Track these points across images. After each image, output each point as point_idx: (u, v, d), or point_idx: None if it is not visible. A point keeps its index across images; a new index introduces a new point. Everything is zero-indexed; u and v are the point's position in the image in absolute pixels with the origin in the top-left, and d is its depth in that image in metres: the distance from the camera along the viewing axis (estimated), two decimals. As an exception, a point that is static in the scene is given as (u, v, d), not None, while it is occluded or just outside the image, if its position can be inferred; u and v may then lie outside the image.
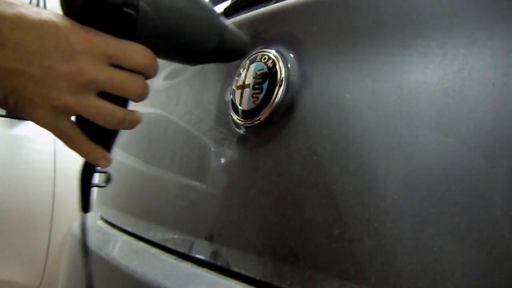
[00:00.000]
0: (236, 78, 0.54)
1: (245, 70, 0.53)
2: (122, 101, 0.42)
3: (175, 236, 0.62)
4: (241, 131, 0.53)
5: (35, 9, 0.37)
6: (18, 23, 0.36)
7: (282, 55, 0.49)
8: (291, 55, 0.49)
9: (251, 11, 0.59)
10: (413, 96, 0.38)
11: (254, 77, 0.51)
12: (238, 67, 0.54)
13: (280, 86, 0.48)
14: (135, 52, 0.40)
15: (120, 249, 0.72)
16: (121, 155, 0.84)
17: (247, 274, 0.48)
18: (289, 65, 0.48)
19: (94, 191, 0.48)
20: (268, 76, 0.49)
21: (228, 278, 0.51)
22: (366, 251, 0.38)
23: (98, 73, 0.39)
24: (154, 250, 0.65)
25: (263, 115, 0.49)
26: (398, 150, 0.38)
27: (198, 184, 0.60)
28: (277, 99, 0.48)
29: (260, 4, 0.59)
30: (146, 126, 0.74)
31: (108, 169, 0.46)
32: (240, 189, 0.52)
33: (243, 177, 0.52)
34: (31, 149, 1.85)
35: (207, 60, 0.47)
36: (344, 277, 0.39)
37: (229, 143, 0.55)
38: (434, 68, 0.37)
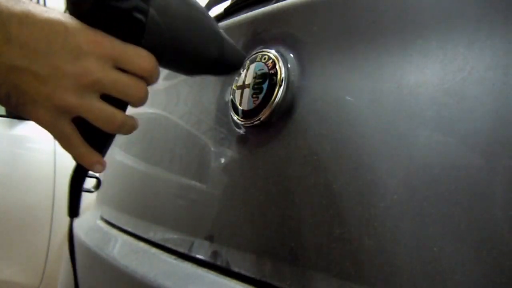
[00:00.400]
0: (236, 78, 0.54)
1: (245, 70, 0.53)
2: (122, 105, 0.42)
3: (175, 236, 0.62)
4: (241, 131, 0.53)
5: (43, 8, 0.37)
6: (26, 20, 0.36)
7: (282, 55, 0.49)
8: (291, 55, 0.49)
9: (251, 11, 0.59)
10: (413, 96, 0.38)
11: (254, 77, 0.51)
12: (238, 67, 0.54)
13: (280, 86, 0.48)
14: (140, 56, 0.40)
15: (120, 249, 0.72)
16: (121, 155, 0.84)
17: (247, 274, 0.48)
18: (289, 65, 0.48)
19: (89, 194, 0.48)
20: (268, 76, 0.49)
21: (228, 278, 0.51)
22: (366, 251, 0.38)
23: (103, 74, 0.38)
24: (154, 250, 0.65)
25: (263, 115, 0.49)
26: (398, 150, 0.38)
27: (198, 184, 0.60)
28: (277, 99, 0.48)
29: (260, 4, 0.59)
30: (146, 126, 0.74)
31: (104, 172, 0.46)
32: (240, 189, 0.52)
33: (243, 177, 0.52)
34: (31, 149, 1.85)
35: (207, 71, 0.48)
36: (344, 277, 0.39)
37: (229, 143, 0.55)
38: (434, 68, 0.37)
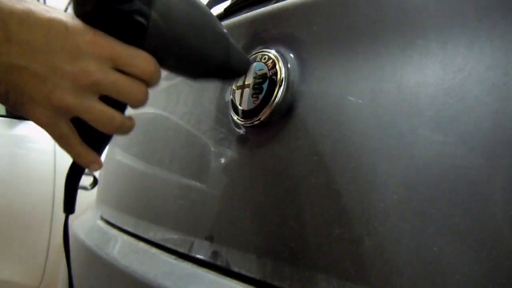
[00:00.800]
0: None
1: (245, 70, 0.53)
2: (121, 107, 0.42)
3: (175, 236, 0.62)
4: (241, 131, 0.53)
5: (45, 7, 0.37)
6: (26, 19, 0.36)
7: (282, 55, 0.49)
8: (291, 55, 0.49)
9: (251, 11, 0.59)
10: (413, 96, 0.38)
11: (254, 77, 0.51)
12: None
13: (280, 86, 0.48)
14: (140, 59, 0.40)
15: (120, 249, 0.72)
16: (121, 155, 0.84)
17: (247, 274, 0.48)
18: (289, 65, 0.48)
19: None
20: (268, 76, 0.49)
21: (228, 278, 0.51)
22: (366, 251, 0.38)
23: (102, 75, 0.38)
24: (154, 250, 0.65)
25: (263, 115, 0.49)
26: (398, 150, 0.38)
27: (198, 184, 0.60)
28: (277, 99, 0.48)
29: (260, 4, 0.59)
30: (146, 126, 0.74)
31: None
32: (240, 189, 0.52)
33: (243, 177, 0.52)
34: (31, 149, 1.85)
35: (211, 76, 0.47)
36: (344, 277, 0.39)
37: (229, 143, 0.55)
38: (434, 68, 0.37)
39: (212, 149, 0.58)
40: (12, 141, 1.82)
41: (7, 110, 1.81)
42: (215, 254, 0.53)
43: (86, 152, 0.43)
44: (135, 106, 0.42)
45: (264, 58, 0.50)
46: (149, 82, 0.42)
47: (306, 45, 0.48)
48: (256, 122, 0.49)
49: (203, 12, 0.44)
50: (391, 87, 0.39)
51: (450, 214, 0.34)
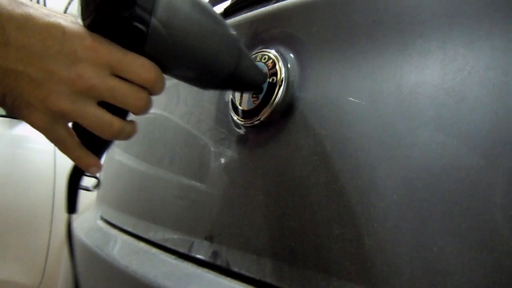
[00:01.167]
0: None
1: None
2: (122, 113, 0.41)
3: (175, 236, 0.62)
4: (241, 131, 0.53)
5: (45, 11, 0.37)
6: (25, 24, 0.36)
7: (282, 55, 0.49)
8: (291, 55, 0.49)
9: (251, 11, 0.59)
10: (413, 96, 0.38)
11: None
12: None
13: (280, 86, 0.48)
14: (139, 65, 0.40)
15: (120, 249, 0.72)
16: (121, 155, 0.84)
17: (247, 274, 0.48)
18: (289, 65, 0.48)
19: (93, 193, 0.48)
20: (268, 76, 0.49)
21: (228, 278, 0.51)
22: (366, 251, 0.38)
23: (98, 81, 0.38)
24: (154, 250, 0.65)
25: (263, 115, 0.49)
26: (398, 150, 0.38)
27: (198, 184, 0.60)
28: (277, 99, 0.48)
29: (260, 4, 0.59)
30: (146, 126, 0.74)
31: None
32: (240, 189, 0.52)
33: (243, 177, 0.52)
34: (31, 149, 1.85)
35: (220, 86, 0.46)
36: (344, 277, 0.39)
37: (229, 143, 0.55)
38: (434, 68, 0.37)
39: (212, 149, 0.58)
40: (12, 141, 1.82)
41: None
42: (215, 254, 0.53)
43: (85, 156, 0.43)
44: (135, 113, 0.42)
45: (264, 58, 0.50)
46: (150, 89, 0.41)
47: (306, 45, 0.48)
48: (256, 122, 0.49)
49: (213, 20, 0.43)
50: (391, 87, 0.39)
51: (450, 214, 0.34)
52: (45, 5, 1.85)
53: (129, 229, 0.75)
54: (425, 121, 0.36)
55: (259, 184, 0.49)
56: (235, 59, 0.44)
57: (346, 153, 0.41)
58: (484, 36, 0.35)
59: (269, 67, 0.49)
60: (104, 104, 0.40)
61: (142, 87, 0.41)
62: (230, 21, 0.61)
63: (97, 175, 0.47)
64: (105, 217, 0.88)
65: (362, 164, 0.40)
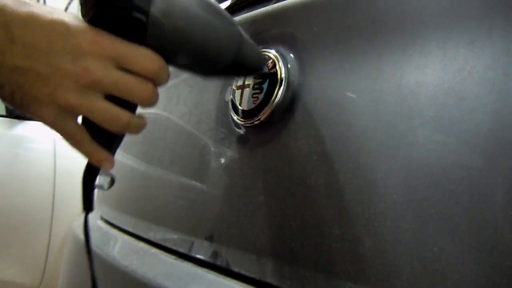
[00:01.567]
0: (236, 78, 0.54)
1: (245, 70, 0.52)
2: (130, 106, 0.42)
3: (175, 236, 0.62)
4: (241, 131, 0.53)
5: (48, 9, 0.38)
6: (29, 21, 0.36)
7: (282, 55, 0.49)
8: (291, 55, 0.49)
9: (251, 11, 0.59)
10: (413, 96, 0.38)
11: (254, 77, 0.51)
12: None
13: (280, 86, 0.48)
14: (143, 56, 0.40)
15: (120, 249, 0.72)
16: (121, 155, 0.84)
17: (247, 274, 0.48)
18: (289, 65, 0.48)
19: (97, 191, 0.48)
20: (268, 76, 0.49)
21: (228, 278, 0.51)
22: (366, 251, 0.38)
23: (104, 74, 0.39)
24: (154, 250, 0.65)
25: (263, 115, 0.49)
26: (398, 150, 0.38)
27: (198, 184, 0.60)
28: (277, 99, 0.48)
29: (260, 4, 0.59)
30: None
31: (111, 171, 0.46)
32: (240, 189, 0.52)
33: (243, 177, 0.52)
34: (31, 149, 1.85)
35: (223, 73, 0.46)
36: (344, 277, 0.39)
37: (229, 143, 0.55)
38: (434, 68, 0.37)
39: (212, 149, 0.58)
40: (12, 141, 1.82)
41: (7, 110, 1.81)
42: (215, 254, 0.53)
43: (96, 151, 0.43)
44: (142, 104, 0.42)
45: (264, 58, 0.50)
46: (155, 79, 0.41)
47: (306, 45, 0.48)
48: (256, 122, 0.49)
49: (212, 8, 0.43)
50: (391, 87, 0.39)
51: (450, 214, 0.34)
52: (45, 4, 1.85)
53: (129, 229, 0.75)
54: (425, 121, 0.36)
55: (259, 184, 0.49)
56: (235, 44, 0.44)
57: (346, 153, 0.41)
58: (484, 37, 0.35)
59: (269, 67, 0.49)
60: (111, 98, 0.40)
61: (147, 78, 0.41)
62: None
63: (112, 172, 0.47)
64: (105, 217, 0.88)
65: (362, 164, 0.40)
